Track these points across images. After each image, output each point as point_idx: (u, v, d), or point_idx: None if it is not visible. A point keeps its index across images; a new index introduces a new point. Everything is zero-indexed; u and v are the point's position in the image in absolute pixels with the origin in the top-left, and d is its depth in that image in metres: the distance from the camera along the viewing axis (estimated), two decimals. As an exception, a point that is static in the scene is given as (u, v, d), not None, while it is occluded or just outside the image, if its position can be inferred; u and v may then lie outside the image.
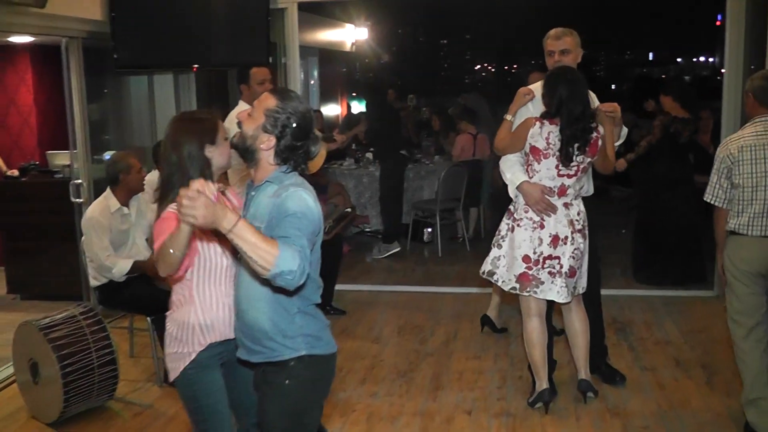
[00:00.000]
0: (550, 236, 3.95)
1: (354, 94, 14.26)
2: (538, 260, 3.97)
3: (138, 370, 4.95)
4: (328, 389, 2.67)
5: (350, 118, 11.43)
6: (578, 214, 4.02)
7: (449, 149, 8.79)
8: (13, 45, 7.11)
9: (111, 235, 4.54)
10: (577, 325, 4.20)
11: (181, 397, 2.83)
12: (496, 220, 4.46)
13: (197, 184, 2.11)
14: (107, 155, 6.12)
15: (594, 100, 4.15)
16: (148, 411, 4.34)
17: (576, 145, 3.86)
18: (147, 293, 4.53)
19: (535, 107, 4.07)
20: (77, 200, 5.67)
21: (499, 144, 4.14)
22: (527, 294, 4.03)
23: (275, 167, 2.48)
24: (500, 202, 4.44)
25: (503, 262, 4.10)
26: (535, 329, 4.13)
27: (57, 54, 5.65)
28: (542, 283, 3.98)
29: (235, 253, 2.53)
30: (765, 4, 5.54)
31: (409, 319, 5.85)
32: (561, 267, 3.96)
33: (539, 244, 3.96)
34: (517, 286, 4.03)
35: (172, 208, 2.59)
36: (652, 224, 6.51)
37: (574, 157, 3.88)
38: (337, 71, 13.42)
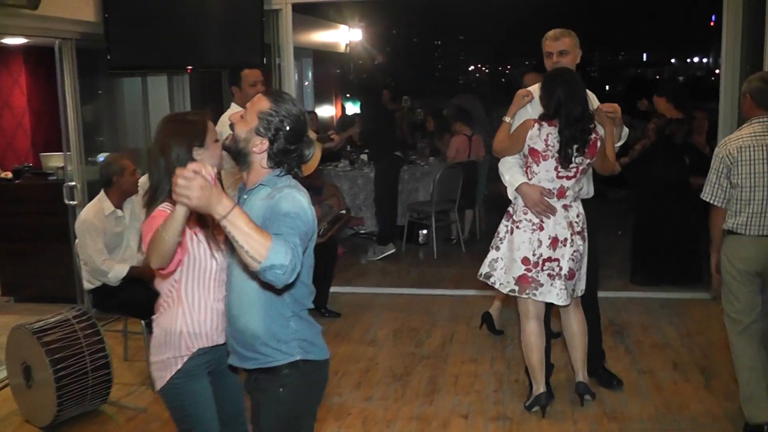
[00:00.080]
0: (549, 238, 3.93)
1: (348, 96, 14.24)
2: (537, 262, 3.95)
3: (132, 373, 4.92)
4: (321, 395, 2.65)
5: (345, 120, 11.43)
6: (577, 216, 4.01)
7: (444, 150, 8.77)
8: (6, 46, 7.07)
9: (105, 237, 4.51)
10: (575, 327, 4.18)
11: (167, 406, 2.80)
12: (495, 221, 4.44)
13: (194, 165, 2.06)
14: (101, 157, 6.10)
15: (594, 100, 4.13)
16: (142, 415, 4.31)
17: (575, 146, 3.84)
18: (141, 296, 4.46)
19: (534, 109, 4.05)
20: (71, 202, 5.64)
21: (498, 146, 4.11)
22: (526, 296, 4.01)
23: (268, 170, 2.44)
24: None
25: (501, 264, 4.07)
26: (533, 332, 4.11)
27: (50, 55, 5.61)
28: (541, 285, 3.96)
29: (230, 247, 2.46)
30: (762, 5, 5.54)
31: (405, 321, 5.83)
32: (560, 269, 3.94)
33: (538, 246, 3.94)
34: (516, 288, 4.01)
35: (162, 207, 2.56)
36: (648, 226, 6.50)
37: (573, 159, 3.86)
38: (331, 72, 13.40)
